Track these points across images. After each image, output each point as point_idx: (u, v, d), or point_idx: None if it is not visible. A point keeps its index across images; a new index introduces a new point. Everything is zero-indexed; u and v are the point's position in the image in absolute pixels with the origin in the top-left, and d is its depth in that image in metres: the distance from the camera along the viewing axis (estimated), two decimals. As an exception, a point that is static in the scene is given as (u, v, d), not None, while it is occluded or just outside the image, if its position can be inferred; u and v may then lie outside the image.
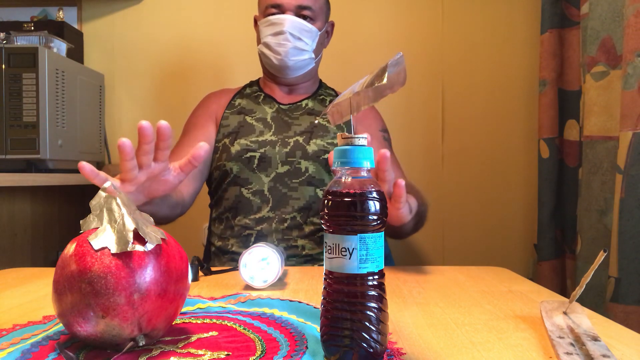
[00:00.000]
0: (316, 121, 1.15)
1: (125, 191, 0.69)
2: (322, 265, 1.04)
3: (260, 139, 1.13)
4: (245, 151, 1.12)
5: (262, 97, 1.22)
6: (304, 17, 1.14)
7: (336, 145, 1.19)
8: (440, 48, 1.79)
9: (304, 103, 1.21)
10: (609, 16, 1.24)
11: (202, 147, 0.71)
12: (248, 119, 1.17)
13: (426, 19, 1.79)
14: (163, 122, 0.67)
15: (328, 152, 1.12)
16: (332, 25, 1.25)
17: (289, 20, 1.12)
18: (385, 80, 0.42)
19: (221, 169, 1.14)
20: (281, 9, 1.13)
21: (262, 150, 1.12)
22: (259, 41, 1.19)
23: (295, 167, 1.11)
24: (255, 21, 1.24)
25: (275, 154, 1.11)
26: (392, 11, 1.79)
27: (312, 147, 1.12)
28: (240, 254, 1.07)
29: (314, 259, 1.08)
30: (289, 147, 1.12)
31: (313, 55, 1.17)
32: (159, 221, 0.99)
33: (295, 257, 1.07)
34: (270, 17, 1.13)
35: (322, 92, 1.25)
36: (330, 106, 0.49)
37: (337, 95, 1.25)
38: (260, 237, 1.08)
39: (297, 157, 1.11)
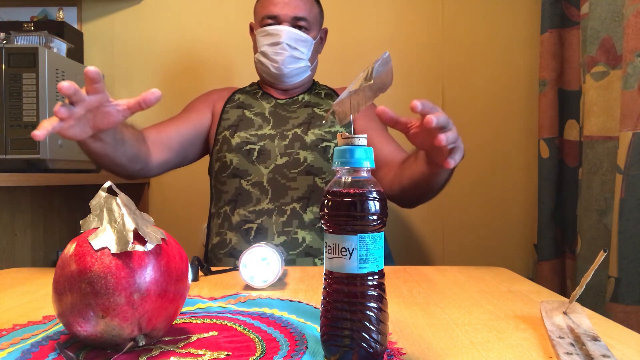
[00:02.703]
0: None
1: (68, 126, 0.72)
2: (322, 260, 1.04)
3: (259, 132, 1.16)
4: (245, 144, 1.15)
5: (260, 93, 1.26)
6: (299, 28, 1.18)
7: (334, 133, 1.21)
8: (440, 48, 1.79)
9: (300, 97, 1.25)
10: (609, 16, 1.23)
11: (154, 92, 0.73)
12: (247, 112, 1.21)
13: (426, 19, 1.79)
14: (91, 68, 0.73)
15: (326, 140, 1.15)
16: (326, 32, 1.29)
17: (286, 32, 1.16)
18: (372, 81, 0.42)
19: (221, 160, 1.17)
20: (277, 20, 1.17)
21: (261, 144, 1.15)
22: (255, 50, 1.23)
23: (294, 158, 1.13)
24: (251, 28, 1.27)
25: (274, 147, 1.14)
26: (392, 11, 1.79)
27: (310, 137, 1.15)
28: (238, 249, 1.08)
29: (315, 251, 1.08)
30: (287, 140, 1.15)
31: (309, 64, 1.22)
32: (116, 170, 1.01)
33: (295, 250, 1.07)
34: (267, 28, 1.17)
35: (317, 88, 1.29)
36: (334, 105, 0.49)
37: (330, 90, 1.29)
38: (260, 231, 1.08)
39: (296, 149, 1.14)
